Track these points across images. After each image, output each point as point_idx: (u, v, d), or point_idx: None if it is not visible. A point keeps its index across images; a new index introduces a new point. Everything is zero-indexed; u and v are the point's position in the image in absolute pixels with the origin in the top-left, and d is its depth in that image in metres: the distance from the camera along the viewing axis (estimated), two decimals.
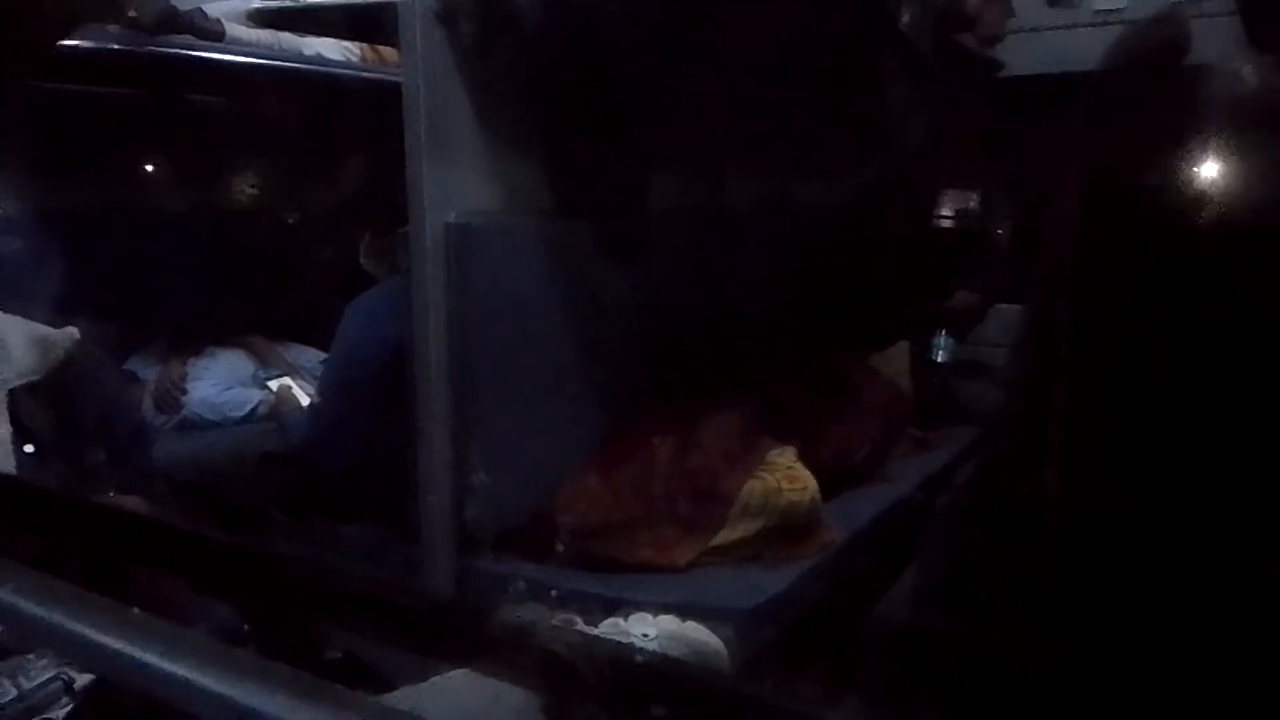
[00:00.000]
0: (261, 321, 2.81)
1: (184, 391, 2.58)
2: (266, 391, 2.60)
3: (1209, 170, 0.65)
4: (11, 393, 1.11)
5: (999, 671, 0.65)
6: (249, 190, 2.86)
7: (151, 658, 0.47)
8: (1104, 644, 0.63)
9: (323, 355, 2.66)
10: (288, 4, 2.50)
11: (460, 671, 0.87)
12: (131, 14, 2.07)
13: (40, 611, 0.50)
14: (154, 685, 0.48)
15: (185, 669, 0.47)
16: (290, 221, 2.74)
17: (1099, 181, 0.69)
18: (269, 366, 2.69)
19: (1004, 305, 2.61)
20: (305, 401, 2.37)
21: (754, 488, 1.70)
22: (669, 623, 1.33)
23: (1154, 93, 0.67)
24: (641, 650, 0.93)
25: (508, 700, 0.80)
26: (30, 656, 0.87)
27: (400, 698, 0.81)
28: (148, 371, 2.61)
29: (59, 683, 0.86)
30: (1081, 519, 0.66)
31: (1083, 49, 2.49)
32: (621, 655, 0.66)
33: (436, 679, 0.89)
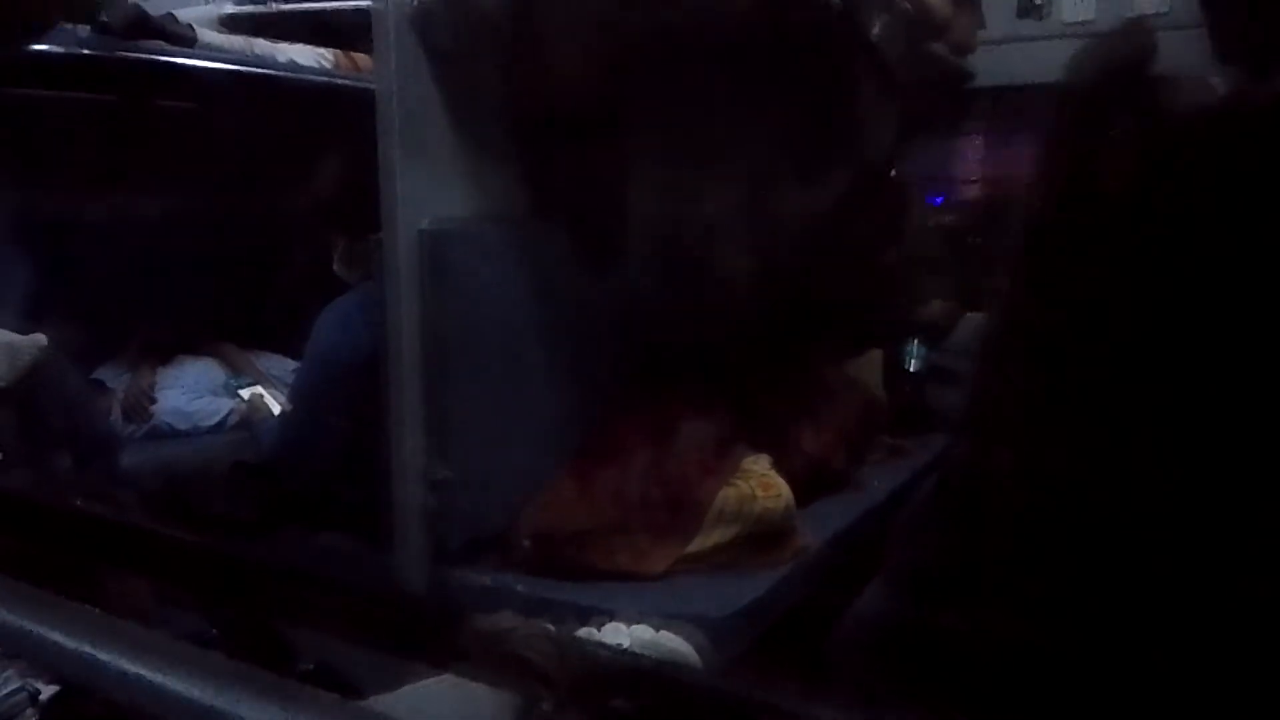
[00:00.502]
0: (233, 329, 2.79)
1: (153, 400, 2.55)
2: (238, 400, 2.58)
3: (1175, 177, 0.66)
4: None
5: (968, 667, 0.65)
6: (220, 197, 2.83)
7: (127, 663, 0.47)
8: (1072, 643, 0.64)
9: (294, 364, 2.65)
10: (261, 9, 2.49)
11: (435, 679, 0.86)
12: (102, 18, 2.05)
13: (7, 616, 0.49)
14: (130, 692, 0.47)
15: (162, 674, 0.46)
16: (262, 228, 2.71)
17: (1065, 189, 0.70)
18: (240, 375, 2.67)
19: (975, 314, 2.64)
20: (277, 410, 2.35)
21: (729, 495, 1.71)
22: (643, 632, 1.33)
23: (1121, 103, 0.68)
24: (616, 653, 0.93)
25: (483, 706, 0.80)
26: None
27: (377, 704, 0.81)
28: (117, 380, 2.58)
29: (24, 694, 0.85)
30: (1045, 519, 0.67)
31: (1052, 60, 2.53)
32: (594, 659, 0.66)
33: (411, 686, 0.88)
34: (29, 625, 0.50)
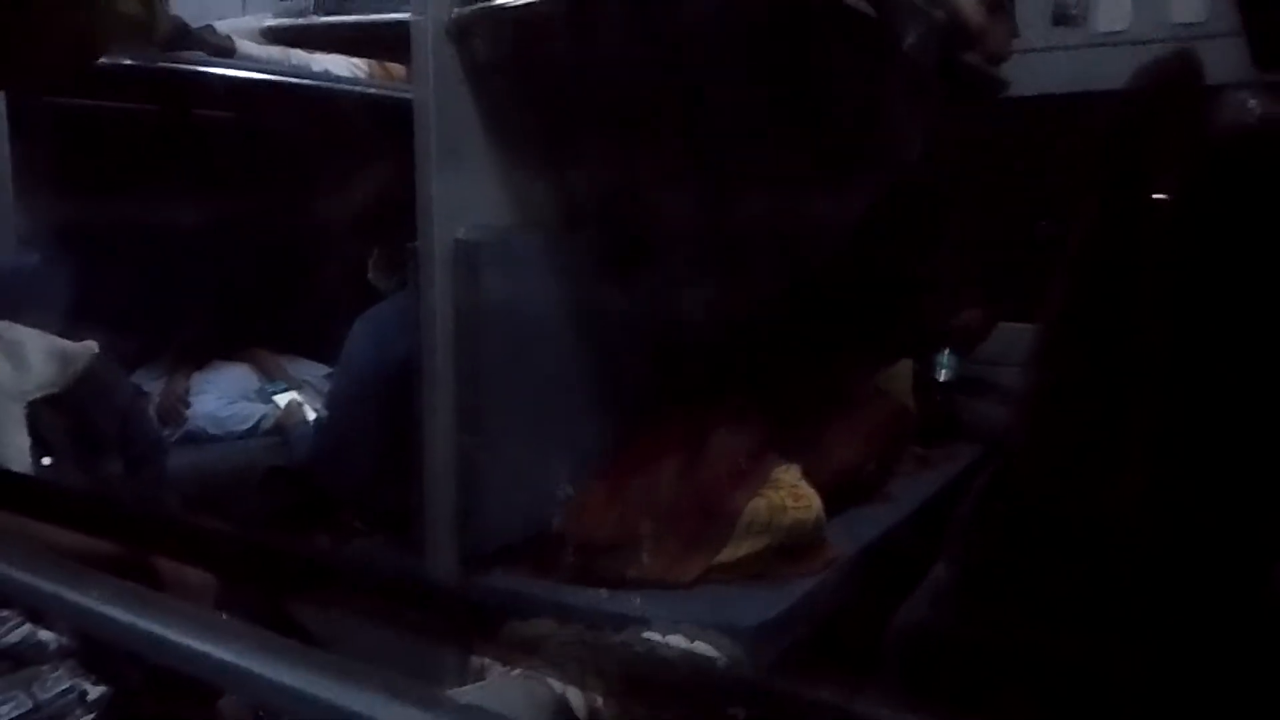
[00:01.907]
0: (267, 335, 2.82)
1: (188, 405, 2.58)
2: (272, 406, 2.60)
3: (1222, 187, 0.66)
4: (30, 405, 1.12)
5: (1017, 677, 0.65)
6: (256, 204, 2.87)
7: (211, 647, 0.48)
8: (1116, 656, 0.64)
9: (328, 370, 2.67)
10: (300, 21, 2.52)
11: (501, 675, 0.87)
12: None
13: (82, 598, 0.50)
14: (209, 672, 0.48)
15: (244, 656, 0.47)
16: (297, 236, 2.75)
17: (1115, 200, 0.70)
18: (274, 380, 2.70)
19: (1009, 324, 2.62)
20: (311, 416, 2.38)
21: (760, 505, 1.70)
22: (678, 642, 1.33)
23: (1170, 114, 0.68)
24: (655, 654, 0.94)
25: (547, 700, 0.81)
26: (45, 668, 0.88)
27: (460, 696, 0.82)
28: (152, 385, 2.61)
29: (74, 694, 0.87)
30: (1093, 530, 0.67)
31: (1087, 69, 2.52)
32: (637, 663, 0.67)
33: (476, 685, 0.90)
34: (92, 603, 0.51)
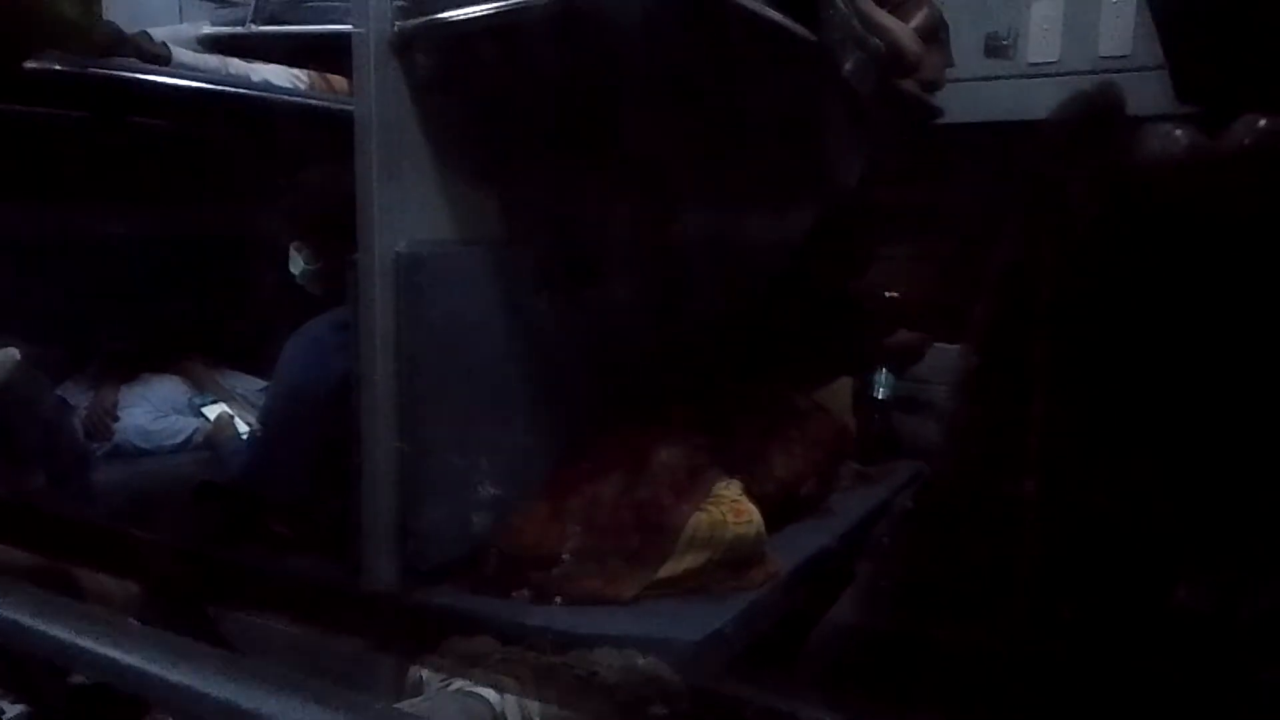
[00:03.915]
0: (199, 347, 2.76)
1: (116, 418, 2.51)
2: (202, 419, 2.54)
3: (1148, 215, 0.68)
4: None
5: (937, 677, 0.66)
6: (189, 213, 2.81)
7: (145, 662, 0.46)
8: (1039, 655, 0.65)
9: (262, 382, 2.62)
10: (238, 30, 2.49)
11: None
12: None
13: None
14: (147, 689, 0.47)
15: (179, 671, 0.46)
16: (231, 246, 2.70)
17: (1034, 226, 0.73)
18: (205, 393, 2.64)
19: (941, 345, 2.68)
20: (244, 429, 2.32)
21: (700, 520, 1.71)
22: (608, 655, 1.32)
23: (1090, 144, 0.71)
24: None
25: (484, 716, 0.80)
26: None
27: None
28: (79, 397, 2.53)
29: None
30: (1008, 537, 0.69)
31: (1017, 98, 2.59)
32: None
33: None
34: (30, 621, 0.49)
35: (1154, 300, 0.64)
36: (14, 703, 0.84)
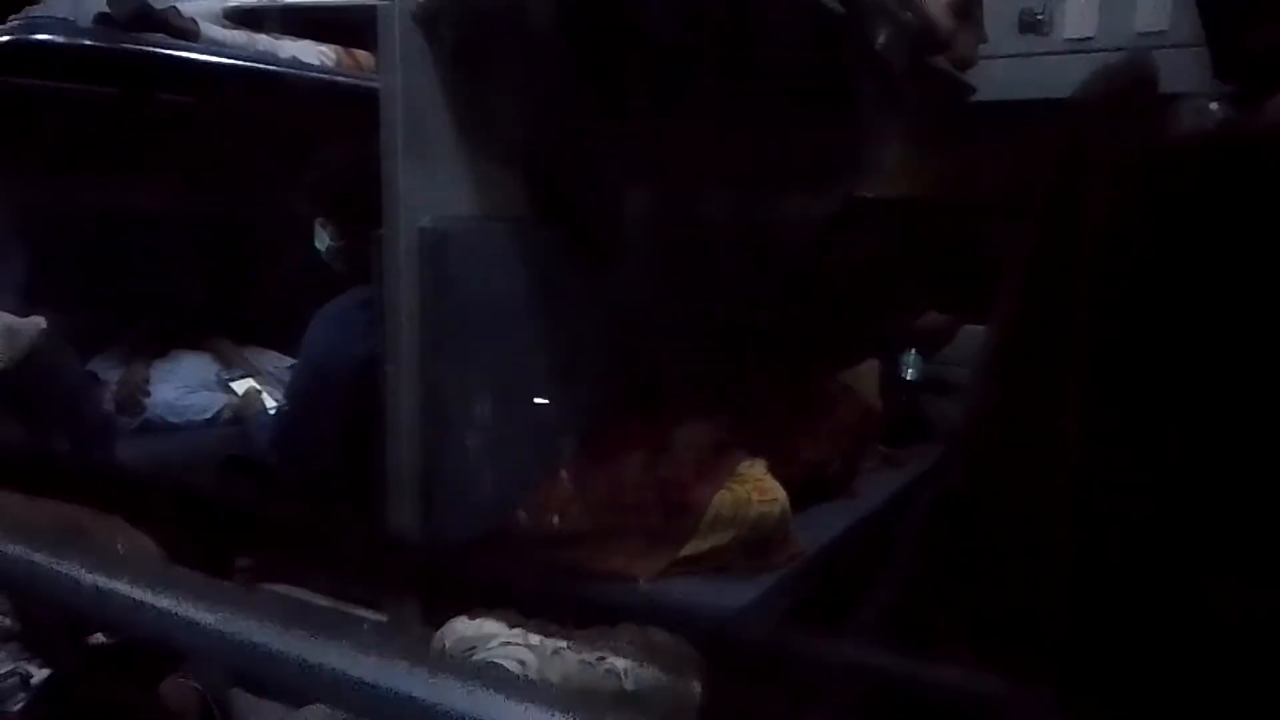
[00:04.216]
0: (228, 324, 2.78)
1: (147, 394, 2.54)
2: (230, 394, 2.57)
3: (1179, 194, 0.66)
4: None
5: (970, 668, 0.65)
6: (218, 191, 2.83)
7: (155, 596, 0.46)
8: (1066, 650, 0.64)
9: (289, 360, 2.64)
10: (264, 3, 2.49)
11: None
12: (106, 10, 2.05)
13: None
14: (157, 625, 0.46)
15: (189, 604, 0.46)
16: (260, 223, 2.71)
17: (1063, 206, 0.71)
18: (233, 369, 2.66)
19: (972, 326, 2.65)
20: (270, 404, 2.34)
21: (724, 499, 1.70)
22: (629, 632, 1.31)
23: (1120, 122, 0.69)
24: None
25: None
26: None
27: None
28: (110, 373, 2.56)
29: (16, 677, 0.84)
30: (1039, 529, 0.67)
31: (1053, 75, 2.54)
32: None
33: None
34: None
35: (1185, 282, 0.62)
36: (40, 667, 0.85)
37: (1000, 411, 0.73)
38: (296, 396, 2.06)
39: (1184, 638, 0.61)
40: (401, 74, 1.63)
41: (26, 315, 1.36)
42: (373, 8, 1.66)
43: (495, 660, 1.00)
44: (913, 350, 2.64)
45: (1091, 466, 0.65)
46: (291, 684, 0.48)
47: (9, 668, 0.84)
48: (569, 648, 1.04)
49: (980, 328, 2.60)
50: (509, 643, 1.02)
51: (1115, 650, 0.62)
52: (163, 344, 2.68)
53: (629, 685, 1.00)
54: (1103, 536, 0.64)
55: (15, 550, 0.48)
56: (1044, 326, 0.69)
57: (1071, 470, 0.65)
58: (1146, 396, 0.63)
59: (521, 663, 1.00)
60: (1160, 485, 0.62)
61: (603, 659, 1.02)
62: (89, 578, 0.47)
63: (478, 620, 1.08)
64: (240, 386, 2.55)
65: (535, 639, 1.04)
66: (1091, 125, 0.70)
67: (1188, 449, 0.62)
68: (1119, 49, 2.52)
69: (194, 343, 2.70)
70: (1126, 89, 0.70)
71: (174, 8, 2.20)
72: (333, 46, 2.46)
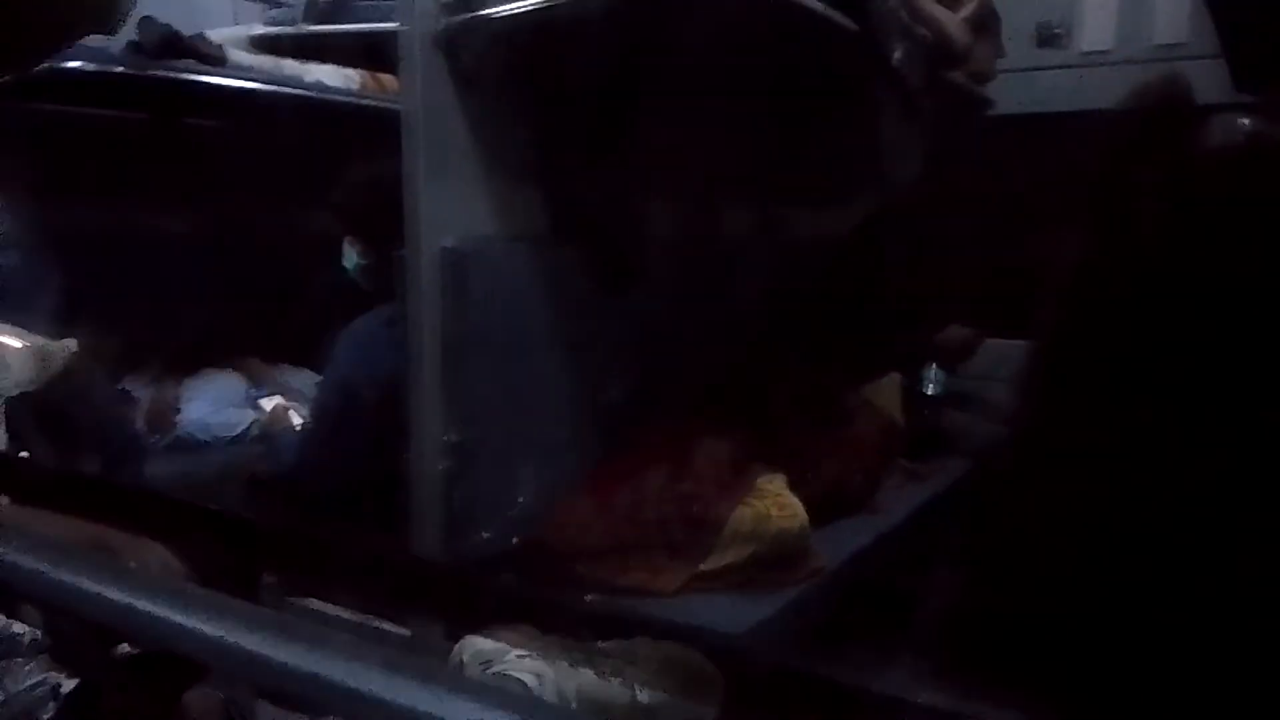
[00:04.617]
0: (256, 343, 2.82)
1: (178, 411, 2.58)
2: (259, 411, 2.60)
3: (1215, 207, 0.67)
4: (7, 402, 1.12)
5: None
6: (246, 212, 2.88)
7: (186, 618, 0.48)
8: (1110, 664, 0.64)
9: (317, 377, 2.67)
10: (289, 30, 2.53)
11: None
12: (135, 37, 2.10)
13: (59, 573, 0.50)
14: (181, 643, 0.48)
15: (222, 627, 0.48)
16: (287, 244, 2.75)
17: (1108, 220, 0.71)
18: (262, 387, 2.70)
19: (995, 340, 2.64)
20: (297, 422, 2.37)
21: (744, 514, 1.71)
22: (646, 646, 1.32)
23: (1160, 138, 0.69)
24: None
25: None
26: (18, 661, 0.88)
27: None
28: (141, 391, 2.61)
29: (46, 687, 0.87)
30: (1083, 540, 0.67)
31: (1072, 89, 2.54)
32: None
33: None
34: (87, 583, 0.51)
35: (1228, 294, 0.63)
36: (68, 678, 0.88)
37: (1044, 422, 0.73)
38: (322, 414, 2.09)
39: (1241, 651, 0.61)
40: (422, 97, 1.67)
41: (58, 335, 1.39)
42: (394, 33, 1.70)
43: (512, 674, 1.01)
44: (934, 364, 2.64)
45: (1135, 477, 0.65)
46: (310, 699, 0.50)
47: (39, 679, 0.87)
48: (585, 662, 1.05)
49: (1002, 341, 2.59)
50: (525, 656, 1.04)
51: (1166, 660, 0.62)
52: (192, 362, 2.72)
53: (644, 699, 1.01)
54: (1150, 548, 0.64)
55: (49, 567, 0.50)
56: (1089, 336, 0.69)
57: (1115, 481, 0.66)
58: (1193, 407, 0.64)
59: (538, 676, 1.01)
60: (1208, 496, 0.62)
61: (618, 673, 1.03)
62: (118, 594, 0.49)
63: (495, 634, 1.09)
64: (268, 404, 2.59)
65: (552, 653, 1.05)
66: (1135, 138, 0.71)
67: (1234, 458, 0.62)
68: (1138, 61, 2.52)
69: (223, 361, 2.74)
70: (1167, 103, 0.70)
71: (201, 34, 2.25)
72: (358, 70, 2.50)
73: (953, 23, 2.22)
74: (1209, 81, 2.11)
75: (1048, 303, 0.72)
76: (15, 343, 1.19)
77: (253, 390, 2.71)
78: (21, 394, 1.15)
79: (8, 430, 1.10)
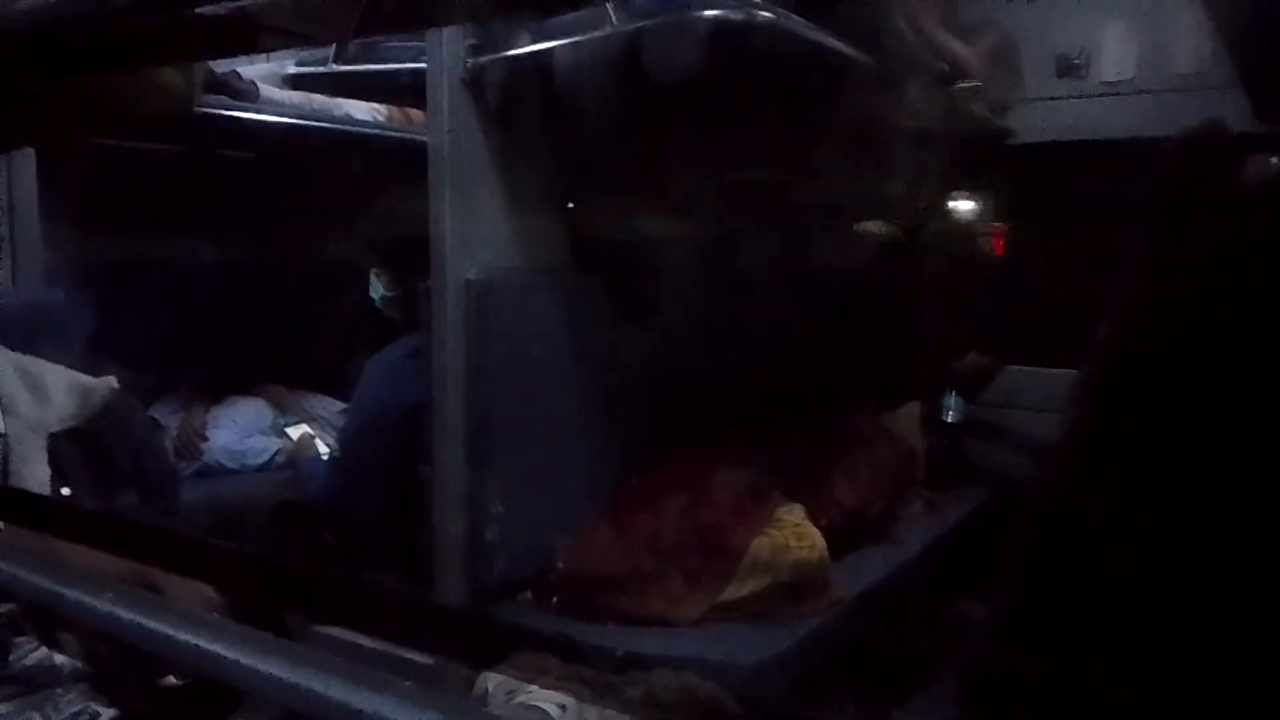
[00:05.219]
0: (282, 371, 2.86)
1: (205, 439, 2.62)
2: (285, 439, 2.64)
3: (1262, 238, 0.69)
4: (52, 437, 1.16)
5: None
6: (274, 243, 2.93)
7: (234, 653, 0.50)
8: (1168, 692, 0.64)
9: (341, 405, 2.71)
10: (320, 69, 2.60)
11: None
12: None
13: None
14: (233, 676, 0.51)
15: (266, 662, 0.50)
16: (315, 275, 2.80)
17: (1160, 254, 0.73)
18: (288, 415, 2.73)
19: (1014, 368, 2.64)
20: (323, 449, 2.41)
21: (762, 544, 1.72)
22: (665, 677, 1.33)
23: (1209, 174, 0.71)
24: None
25: None
26: (58, 690, 0.91)
27: None
28: (169, 419, 2.65)
29: (86, 716, 0.89)
30: (1136, 566, 0.68)
31: (1092, 118, 2.55)
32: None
33: None
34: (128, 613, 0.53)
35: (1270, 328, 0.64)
36: (106, 707, 0.90)
37: (1097, 440, 0.74)
38: (348, 442, 2.13)
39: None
40: (448, 133, 1.71)
41: (93, 366, 1.44)
42: (422, 70, 1.74)
43: (534, 704, 1.03)
44: (954, 392, 2.64)
45: (1188, 509, 0.66)
46: None
47: (79, 707, 0.89)
48: (606, 692, 1.06)
49: (1022, 369, 2.59)
50: (548, 687, 1.05)
51: (1225, 674, 0.63)
52: (219, 390, 2.76)
53: None
54: (1203, 563, 0.65)
55: (94, 601, 0.53)
56: (1140, 370, 0.70)
57: (1168, 513, 0.66)
58: (1247, 427, 0.64)
59: (561, 707, 1.03)
60: (1262, 513, 0.63)
61: (639, 703, 1.04)
62: (159, 627, 0.52)
63: (518, 664, 1.11)
64: (295, 432, 2.62)
65: (573, 683, 1.07)
66: (1188, 168, 0.72)
67: None
68: (1157, 91, 2.53)
69: (250, 389, 2.79)
70: (1214, 137, 0.72)
71: (234, 71, 2.31)
72: (385, 105, 2.56)
73: (970, 56, 2.24)
74: (1230, 111, 2.12)
75: (1103, 335, 0.73)
76: (59, 379, 1.23)
77: (279, 418, 2.74)
78: (64, 429, 1.19)
79: (51, 465, 1.14)
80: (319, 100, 2.47)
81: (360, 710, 0.50)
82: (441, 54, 1.70)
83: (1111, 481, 0.68)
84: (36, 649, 0.93)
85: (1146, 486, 0.65)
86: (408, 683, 0.52)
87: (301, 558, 1.92)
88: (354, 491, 2.00)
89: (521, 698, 1.04)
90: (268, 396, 2.79)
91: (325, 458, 2.33)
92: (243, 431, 2.67)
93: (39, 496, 0.98)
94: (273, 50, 2.33)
